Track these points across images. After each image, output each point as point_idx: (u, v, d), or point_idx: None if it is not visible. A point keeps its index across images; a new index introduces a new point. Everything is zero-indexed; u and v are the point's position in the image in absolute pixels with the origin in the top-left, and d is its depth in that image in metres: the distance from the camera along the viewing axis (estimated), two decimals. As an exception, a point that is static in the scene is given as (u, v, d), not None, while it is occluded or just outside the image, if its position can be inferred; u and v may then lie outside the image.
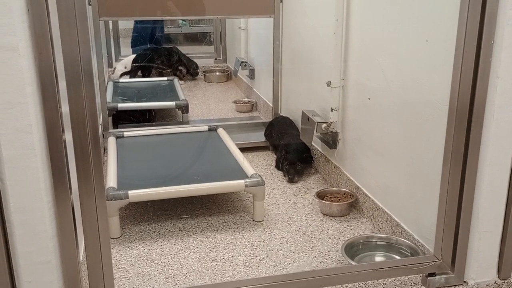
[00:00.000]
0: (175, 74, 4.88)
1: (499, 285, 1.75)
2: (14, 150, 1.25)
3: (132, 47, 5.38)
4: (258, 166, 2.98)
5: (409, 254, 1.96)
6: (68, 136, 1.33)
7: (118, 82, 4.36)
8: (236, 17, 4.47)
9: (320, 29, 2.71)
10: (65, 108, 1.30)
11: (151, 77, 4.85)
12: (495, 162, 1.61)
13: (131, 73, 4.70)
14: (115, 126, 3.47)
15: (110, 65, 5.08)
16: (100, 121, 3.22)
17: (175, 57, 4.87)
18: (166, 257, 2.05)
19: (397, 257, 1.98)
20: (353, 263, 1.91)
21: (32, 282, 1.36)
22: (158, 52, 4.83)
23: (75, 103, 1.28)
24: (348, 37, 2.40)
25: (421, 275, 1.77)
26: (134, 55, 4.81)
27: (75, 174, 1.35)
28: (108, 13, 2.98)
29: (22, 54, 1.20)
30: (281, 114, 3.44)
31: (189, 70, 4.99)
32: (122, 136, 2.98)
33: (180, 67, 4.98)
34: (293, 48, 3.22)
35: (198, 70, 5.09)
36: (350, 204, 2.40)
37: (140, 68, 4.75)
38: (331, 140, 2.64)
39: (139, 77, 4.75)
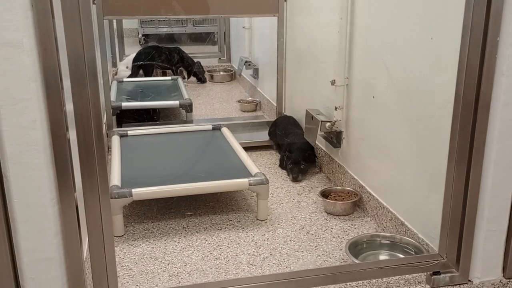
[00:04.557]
0: (175, 73, 4.87)
1: (504, 284, 1.75)
2: (18, 147, 1.25)
3: None
4: (262, 165, 2.98)
5: (413, 253, 1.95)
6: (72, 134, 1.33)
7: (122, 81, 4.37)
8: (240, 16, 4.47)
9: (324, 27, 2.71)
10: (69, 106, 1.30)
11: (154, 75, 4.85)
12: (500, 161, 1.60)
13: (132, 74, 4.69)
14: (119, 125, 3.47)
15: (114, 64, 5.09)
16: (104, 120, 3.22)
17: (176, 57, 4.84)
18: (170, 255, 2.05)
19: (402, 256, 1.97)
20: (357, 262, 1.91)
21: (36, 278, 1.36)
22: (159, 51, 4.82)
23: (79, 100, 1.28)
24: (352, 36, 2.39)
25: (425, 273, 1.76)
26: (134, 54, 4.81)
27: (78, 172, 1.35)
28: (112, 12, 2.99)
29: (26, 50, 1.20)
30: (285, 113, 3.44)
31: (194, 73, 4.93)
32: (126, 135, 2.98)
33: (181, 68, 4.95)
34: (297, 47, 3.21)
35: (205, 76, 5.02)
36: (354, 203, 2.39)
37: (140, 67, 4.75)
38: (335, 139, 2.64)
39: (140, 76, 4.75)
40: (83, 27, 1.24)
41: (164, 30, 6.51)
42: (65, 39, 1.23)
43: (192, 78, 5.02)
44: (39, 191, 1.30)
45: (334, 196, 2.45)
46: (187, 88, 4.25)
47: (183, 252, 2.07)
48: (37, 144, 1.26)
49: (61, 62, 1.25)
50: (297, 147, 2.83)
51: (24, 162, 1.27)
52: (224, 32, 5.68)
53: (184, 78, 4.92)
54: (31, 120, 1.24)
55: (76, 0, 1.22)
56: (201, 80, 4.97)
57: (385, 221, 2.19)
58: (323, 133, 2.68)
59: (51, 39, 1.22)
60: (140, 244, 2.13)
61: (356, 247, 2.01)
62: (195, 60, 5.00)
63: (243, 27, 4.61)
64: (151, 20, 6.40)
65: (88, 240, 1.42)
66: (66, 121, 1.28)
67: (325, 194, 2.45)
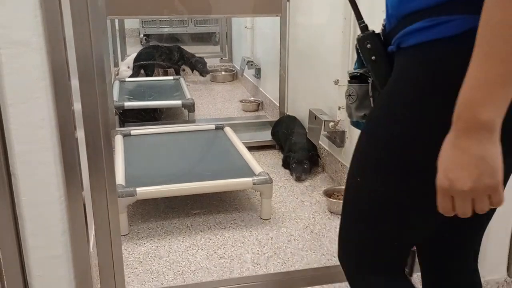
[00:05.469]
0: (177, 73, 4.87)
1: (508, 283, 1.75)
2: (26, 145, 1.26)
3: None
4: (265, 164, 2.98)
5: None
6: (80, 133, 1.33)
7: (124, 81, 4.37)
8: (243, 16, 4.48)
9: (328, 27, 2.71)
10: (76, 105, 1.31)
11: (155, 75, 4.85)
12: (505, 160, 1.60)
13: (134, 74, 4.70)
14: (122, 125, 3.48)
15: (115, 64, 5.10)
16: (107, 119, 3.22)
17: (176, 55, 4.83)
18: (174, 254, 2.05)
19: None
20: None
21: (43, 276, 1.36)
22: (159, 50, 4.82)
23: (87, 99, 1.28)
24: (356, 35, 2.40)
25: (430, 272, 1.77)
26: (135, 54, 4.81)
27: (86, 170, 1.36)
28: (116, 12, 2.99)
29: (35, 49, 1.21)
30: (287, 113, 3.44)
31: (196, 69, 4.89)
32: (129, 135, 2.99)
33: (183, 66, 4.94)
34: (300, 47, 3.22)
35: (207, 68, 4.95)
36: (358, 202, 2.39)
37: (142, 67, 4.75)
38: (338, 138, 2.64)
39: (142, 76, 4.75)
40: (91, 26, 1.25)
41: (166, 30, 6.51)
42: (73, 38, 1.24)
43: (195, 78, 5.01)
44: (47, 189, 1.30)
45: (337, 196, 2.46)
46: (189, 88, 4.26)
47: (187, 251, 2.08)
48: (45, 143, 1.26)
49: (69, 61, 1.26)
50: (300, 146, 2.83)
51: (32, 160, 1.27)
52: (226, 32, 5.68)
53: (184, 70, 4.89)
54: (40, 118, 1.24)
55: (85, -1, 1.23)
56: (202, 73, 4.90)
57: (389, 220, 2.19)
58: (326, 132, 2.68)
59: (59, 38, 1.22)
60: (144, 243, 2.14)
61: (360, 246, 2.01)
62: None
63: (245, 27, 4.61)
64: (152, 20, 6.40)
65: (95, 238, 1.42)
66: (74, 119, 1.29)
67: (328, 194, 2.46)
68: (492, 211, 1.02)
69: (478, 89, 0.67)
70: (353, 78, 1.02)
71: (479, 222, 1.05)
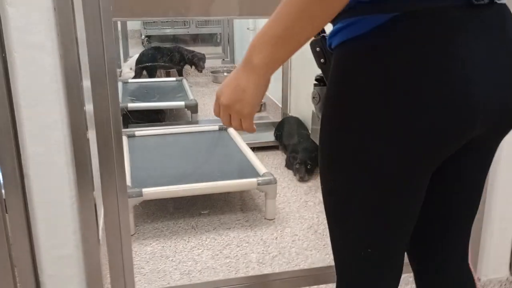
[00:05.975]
0: (180, 74, 4.89)
1: (511, 281, 1.78)
2: (39, 146, 1.28)
3: None
4: (268, 165, 3.00)
5: (421, 252, 1.97)
6: (91, 134, 1.36)
7: (127, 82, 4.40)
8: (246, 18, 4.50)
9: (331, 27, 2.73)
10: (88, 106, 1.33)
11: (157, 77, 4.87)
12: (509, 159, 1.62)
13: (136, 75, 4.72)
14: (125, 126, 3.50)
15: (118, 66, 5.12)
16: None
17: (177, 56, 4.85)
18: (180, 254, 2.08)
19: (409, 255, 2.00)
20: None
21: (55, 275, 1.39)
22: (160, 51, 4.84)
23: (99, 100, 1.31)
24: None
25: (433, 272, 1.79)
26: (137, 55, 4.83)
27: (96, 171, 1.38)
28: (121, 14, 3.01)
29: (48, 52, 1.23)
30: (290, 114, 3.47)
31: (193, 63, 4.89)
32: (134, 136, 3.01)
33: (185, 66, 4.96)
34: (302, 47, 3.23)
35: (202, 64, 4.96)
36: (361, 202, 2.41)
37: (144, 68, 4.78)
38: (341, 139, 2.66)
39: (144, 77, 4.78)
40: (103, 29, 1.27)
41: (167, 31, 6.53)
42: (86, 40, 1.26)
43: (198, 79, 5.02)
44: (59, 189, 1.33)
45: (341, 196, 2.47)
46: (192, 89, 4.28)
47: (193, 251, 2.10)
48: (57, 144, 1.29)
49: (81, 63, 1.28)
50: (303, 147, 2.86)
51: (45, 161, 1.30)
52: (228, 33, 5.71)
53: (184, 66, 4.92)
54: (53, 120, 1.27)
55: (97, 2, 1.26)
56: (198, 67, 4.92)
57: (392, 220, 2.22)
58: (329, 133, 2.70)
59: (72, 41, 1.25)
60: (150, 243, 2.16)
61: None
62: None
63: (247, 29, 4.64)
64: (154, 22, 6.42)
65: (106, 238, 1.44)
66: (85, 121, 1.31)
67: (332, 194, 2.48)
68: (474, 207, 1.02)
69: (260, 38, 0.83)
70: (318, 81, 1.06)
71: (461, 217, 1.04)
